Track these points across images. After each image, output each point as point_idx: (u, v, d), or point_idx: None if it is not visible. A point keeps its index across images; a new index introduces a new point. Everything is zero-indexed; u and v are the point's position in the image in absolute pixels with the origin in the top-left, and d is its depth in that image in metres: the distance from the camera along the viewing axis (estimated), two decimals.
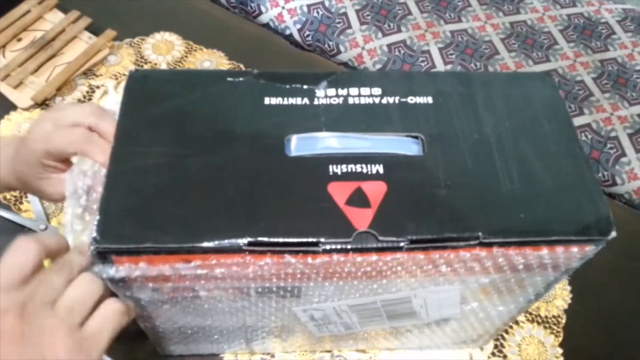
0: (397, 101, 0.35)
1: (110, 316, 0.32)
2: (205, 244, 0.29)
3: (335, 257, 0.30)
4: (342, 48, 0.93)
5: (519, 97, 0.36)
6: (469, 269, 0.33)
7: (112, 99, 0.66)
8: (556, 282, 0.37)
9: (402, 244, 0.30)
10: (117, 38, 0.71)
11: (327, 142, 0.34)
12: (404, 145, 0.34)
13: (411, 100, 0.35)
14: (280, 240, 0.29)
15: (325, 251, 0.30)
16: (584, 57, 0.95)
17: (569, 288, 0.57)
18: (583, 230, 0.31)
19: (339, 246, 0.30)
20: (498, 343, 0.52)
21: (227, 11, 0.85)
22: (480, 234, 0.30)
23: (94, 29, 0.71)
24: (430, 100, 0.36)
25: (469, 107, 0.35)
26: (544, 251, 0.32)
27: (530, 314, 0.54)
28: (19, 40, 0.69)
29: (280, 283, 0.34)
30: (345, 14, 0.95)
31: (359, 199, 0.31)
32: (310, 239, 0.29)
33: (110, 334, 0.32)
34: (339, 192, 0.31)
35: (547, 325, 0.54)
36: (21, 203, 0.58)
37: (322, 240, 0.29)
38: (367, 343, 0.49)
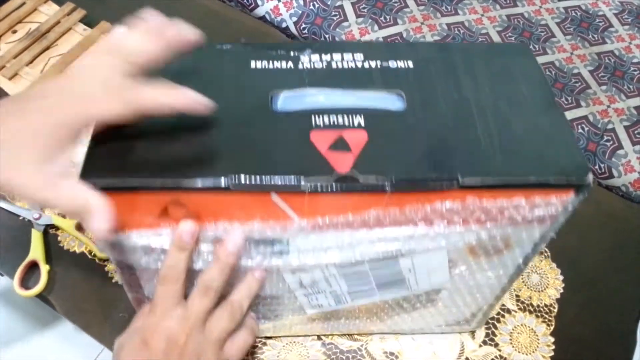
0: (379, 65, 0.37)
1: (242, 344, 0.40)
2: (189, 183, 0.30)
3: (319, 198, 0.31)
4: (338, 40, 0.93)
5: (498, 63, 0.38)
6: (451, 216, 0.34)
7: None
8: (544, 242, 0.37)
9: (383, 184, 0.31)
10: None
11: (312, 98, 0.35)
12: (386, 101, 0.36)
13: (392, 64, 0.37)
14: (264, 180, 0.31)
15: (309, 191, 0.31)
16: (581, 50, 0.95)
17: (561, 277, 0.57)
18: (560, 173, 0.32)
19: (321, 184, 0.31)
20: (489, 332, 0.52)
21: (223, 4, 0.85)
22: (459, 175, 0.31)
23: (89, 21, 0.71)
24: (411, 64, 0.37)
25: (449, 70, 0.37)
26: (523, 200, 0.33)
27: (522, 302, 0.54)
28: (14, 32, 0.70)
29: (268, 234, 0.34)
30: (341, 6, 0.95)
31: (340, 146, 0.32)
32: (293, 179, 0.31)
33: (246, 348, 0.41)
34: (321, 140, 0.33)
35: (539, 314, 0.54)
36: None
37: (305, 180, 0.31)
38: (358, 325, 0.48)
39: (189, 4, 0.77)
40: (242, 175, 0.31)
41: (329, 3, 0.95)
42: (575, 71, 0.92)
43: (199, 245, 0.35)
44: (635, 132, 0.86)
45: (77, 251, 0.55)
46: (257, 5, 0.97)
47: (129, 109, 0.30)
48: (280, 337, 0.51)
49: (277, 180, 0.31)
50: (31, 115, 0.29)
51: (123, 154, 0.31)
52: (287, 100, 0.35)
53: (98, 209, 0.29)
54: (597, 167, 0.85)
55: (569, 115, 0.88)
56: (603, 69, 0.92)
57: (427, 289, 0.43)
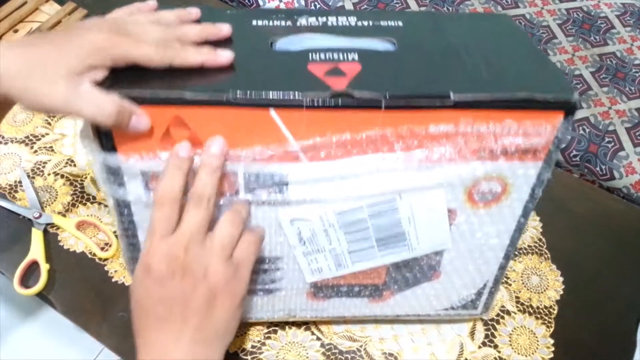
0: (371, 23, 0.41)
1: (250, 245, 0.38)
2: (192, 95, 0.33)
3: (315, 117, 0.33)
4: None
5: (483, 24, 0.42)
6: (446, 143, 0.35)
7: None
8: (540, 186, 0.39)
9: (378, 99, 0.33)
10: None
11: (309, 40, 0.39)
12: (378, 44, 0.39)
13: (384, 23, 0.41)
14: (262, 94, 0.32)
15: (307, 106, 0.33)
16: (583, 52, 0.94)
17: (561, 279, 0.57)
18: (547, 92, 0.34)
19: (318, 99, 0.33)
20: (489, 333, 0.52)
21: (224, 4, 0.85)
22: (451, 92, 0.33)
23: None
24: (400, 23, 0.41)
25: (438, 28, 0.41)
26: (514, 124, 0.35)
27: (522, 304, 0.54)
28: (16, 31, 0.70)
29: (266, 166, 0.36)
30: (342, 7, 0.95)
31: (336, 72, 0.35)
32: (291, 94, 0.33)
33: (252, 261, 0.38)
34: (318, 69, 0.35)
35: (538, 316, 0.54)
36: (16, 191, 0.58)
37: (302, 95, 0.33)
38: (359, 306, 0.47)
39: (190, 3, 0.77)
40: (240, 91, 0.32)
41: (330, 3, 0.95)
42: (577, 72, 0.92)
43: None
44: (637, 133, 0.86)
45: (77, 250, 0.55)
46: (258, 5, 0.97)
47: (164, 62, 0.34)
48: (278, 324, 0.51)
49: (275, 95, 0.32)
50: (72, 39, 0.32)
51: (135, 75, 0.33)
52: (286, 43, 0.38)
53: (133, 109, 0.32)
54: (598, 168, 0.85)
55: None
56: (605, 71, 0.92)
57: (428, 251, 0.43)
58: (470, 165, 0.37)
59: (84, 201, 0.58)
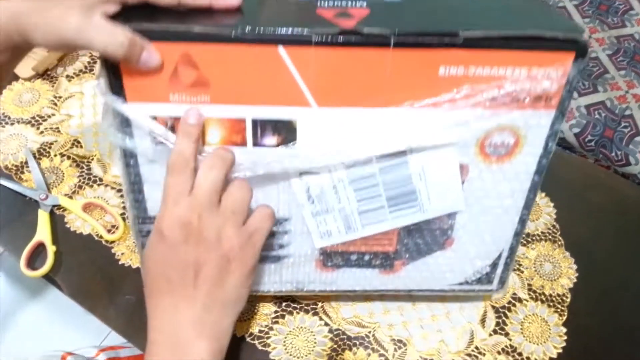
0: None
1: (265, 217, 0.39)
2: (200, 29, 0.33)
3: (324, 56, 0.34)
4: None
5: None
6: (455, 87, 0.36)
7: None
8: (553, 140, 0.39)
9: (387, 37, 0.33)
10: None
11: None
12: None
13: None
14: (271, 30, 0.33)
15: (316, 43, 0.33)
16: (600, 33, 0.92)
17: (574, 267, 0.55)
18: (557, 30, 0.34)
19: (327, 36, 0.33)
20: (500, 320, 0.51)
21: None
22: (460, 30, 0.33)
23: None
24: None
25: None
26: (524, 67, 0.35)
27: (534, 292, 0.53)
28: None
29: (274, 110, 0.36)
30: None
31: (344, 15, 0.35)
32: (299, 30, 0.33)
33: (266, 231, 0.39)
34: (327, 12, 0.35)
35: (551, 304, 0.53)
36: (22, 173, 0.58)
37: (311, 32, 0.33)
38: (369, 278, 0.46)
39: None
40: (249, 27, 0.33)
41: None
42: (594, 55, 0.89)
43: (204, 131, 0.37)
44: None
45: (84, 233, 0.55)
46: None
47: (176, 3, 0.34)
48: (285, 309, 0.50)
49: (284, 31, 0.33)
50: None
51: (145, 13, 0.34)
52: None
53: (144, 43, 0.33)
54: (613, 154, 0.83)
55: (586, 100, 0.85)
56: (622, 54, 0.90)
57: (441, 212, 0.42)
58: (482, 114, 0.37)
59: (90, 183, 0.57)
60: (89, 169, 0.58)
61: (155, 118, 0.36)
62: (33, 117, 0.61)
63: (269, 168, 0.38)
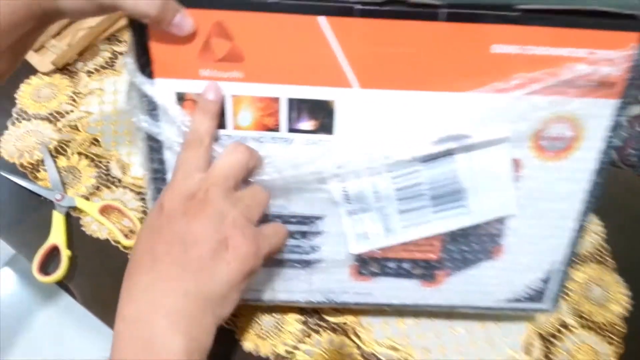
0: None
1: (279, 231, 0.37)
2: None
3: (368, 27, 0.31)
4: None
5: None
6: (510, 70, 0.33)
7: None
8: (617, 133, 0.35)
9: (436, 7, 0.31)
10: None
11: None
12: None
13: None
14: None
15: (359, 13, 0.31)
16: None
17: (628, 293, 0.51)
18: (621, 7, 0.31)
19: (372, 6, 0.31)
20: (545, 348, 0.47)
21: None
22: (516, 4, 0.31)
23: None
24: None
25: None
26: (586, 48, 0.32)
27: (584, 319, 0.49)
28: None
29: (312, 90, 0.34)
30: None
31: None
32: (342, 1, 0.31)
33: (275, 245, 0.36)
34: None
35: (601, 333, 0.48)
36: (37, 171, 0.55)
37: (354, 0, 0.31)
38: (408, 289, 0.42)
39: None
40: None
41: None
42: None
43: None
44: None
45: (100, 237, 0.52)
46: None
47: None
48: (312, 328, 0.46)
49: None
50: None
51: None
52: None
53: (178, 6, 0.31)
54: None
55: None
56: None
57: (490, 216, 0.38)
58: (537, 101, 0.34)
59: (108, 184, 0.54)
60: (107, 170, 0.55)
61: (183, 97, 0.34)
62: (51, 113, 0.58)
63: (300, 172, 0.36)
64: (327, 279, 0.42)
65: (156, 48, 0.33)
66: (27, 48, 0.36)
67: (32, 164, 0.55)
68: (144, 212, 0.53)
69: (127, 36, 0.65)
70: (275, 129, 0.35)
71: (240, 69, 0.33)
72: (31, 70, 0.61)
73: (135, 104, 0.35)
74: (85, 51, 0.63)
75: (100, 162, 0.56)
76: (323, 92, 0.34)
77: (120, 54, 0.63)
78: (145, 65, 0.33)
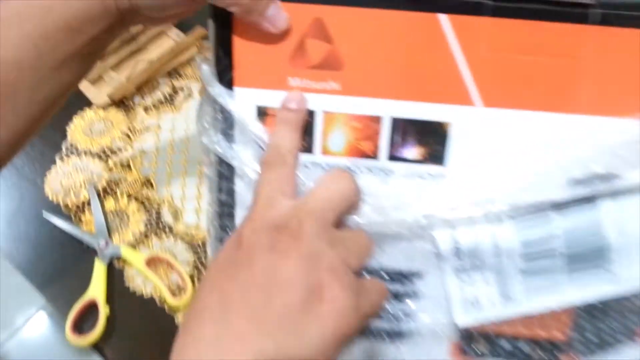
0: None
1: (380, 290, 0.28)
2: None
3: (502, 32, 0.26)
4: None
5: None
6: None
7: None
8: None
9: (589, 6, 0.25)
10: (206, 38, 0.63)
11: None
12: None
13: None
14: None
15: (491, 10, 0.26)
16: None
17: None
18: None
19: (507, 5, 0.26)
20: None
21: None
22: None
23: (183, 26, 0.63)
24: None
25: None
26: None
27: None
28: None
29: (424, 108, 0.28)
30: None
31: None
32: None
33: (377, 306, 0.28)
34: None
35: None
36: (82, 213, 0.49)
37: None
38: None
39: None
40: None
41: None
42: None
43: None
44: None
45: (145, 294, 0.45)
46: None
47: None
48: None
49: None
50: None
51: None
52: None
53: None
54: None
55: None
56: None
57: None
58: None
59: (158, 231, 0.48)
60: (159, 215, 0.49)
61: (264, 112, 0.29)
62: (103, 150, 0.53)
63: (401, 213, 0.29)
64: (419, 354, 0.33)
65: (240, 49, 0.28)
66: (96, 57, 0.32)
67: (77, 205, 0.50)
68: (196, 267, 0.46)
69: (188, 71, 0.61)
70: (372, 156, 0.29)
71: (338, 78, 0.28)
72: (86, 103, 0.57)
73: (207, 121, 0.30)
74: (144, 85, 0.58)
75: (151, 207, 0.50)
76: (436, 110, 0.28)
77: (182, 89, 0.58)
78: (224, 71, 0.29)
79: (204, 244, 0.47)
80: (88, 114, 0.56)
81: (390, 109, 0.28)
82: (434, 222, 0.29)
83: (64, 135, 0.54)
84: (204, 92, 0.30)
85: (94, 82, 0.57)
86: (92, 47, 0.30)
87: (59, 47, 0.29)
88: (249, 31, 0.27)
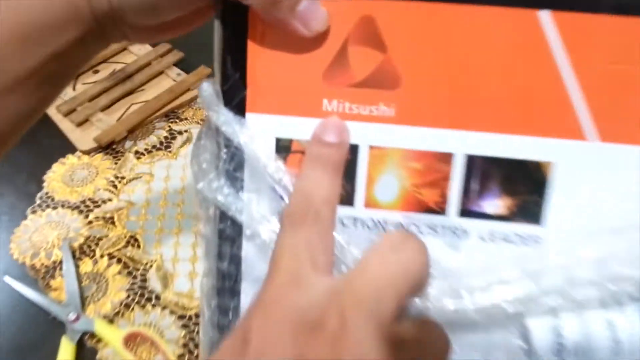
0: None
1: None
2: None
3: (626, 21, 0.19)
4: None
5: None
6: None
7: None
8: None
9: None
10: (211, 76, 0.57)
11: None
12: None
13: None
14: None
15: (610, 6, 0.19)
16: None
17: None
18: None
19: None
20: None
21: None
22: None
23: (185, 65, 0.58)
24: None
25: None
26: None
27: None
28: (96, 72, 0.57)
29: (512, 143, 0.21)
30: None
31: None
32: None
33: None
34: None
35: None
36: (52, 277, 0.41)
37: None
38: None
39: None
40: None
41: None
42: None
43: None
44: None
45: None
46: None
47: None
48: None
49: None
50: None
51: None
52: None
53: None
54: None
55: None
56: None
57: None
58: None
59: (143, 302, 0.40)
60: (144, 280, 0.41)
61: (288, 148, 0.22)
62: (83, 201, 0.46)
63: (480, 295, 0.21)
64: None
65: (256, 60, 0.21)
66: (63, 81, 0.25)
67: (46, 267, 0.42)
68: (186, 346, 0.37)
69: (188, 113, 0.55)
70: (438, 210, 0.22)
71: (392, 100, 0.21)
72: (69, 149, 0.50)
73: (206, 160, 0.22)
74: (137, 128, 0.51)
75: (136, 269, 0.41)
76: (532, 146, 0.21)
77: (180, 133, 0.52)
78: (233, 91, 0.22)
79: (197, 316, 0.39)
80: (70, 159, 0.49)
81: (465, 143, 0.21)
82: (525, 307, 0.21)
83: (40, 187, 0.47)
84: (203, 121, 0.23)
85: (79, 124, 0.51)
86: (56, 67, 0.23)
87: (7, 65, 0.22)
88: (270, 35, 0.21)
